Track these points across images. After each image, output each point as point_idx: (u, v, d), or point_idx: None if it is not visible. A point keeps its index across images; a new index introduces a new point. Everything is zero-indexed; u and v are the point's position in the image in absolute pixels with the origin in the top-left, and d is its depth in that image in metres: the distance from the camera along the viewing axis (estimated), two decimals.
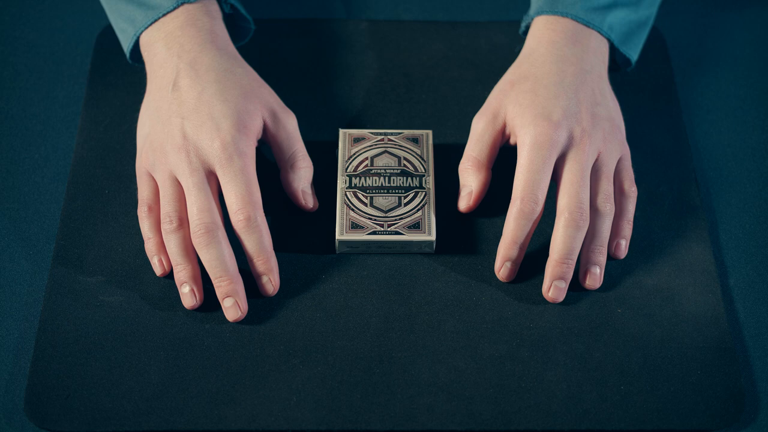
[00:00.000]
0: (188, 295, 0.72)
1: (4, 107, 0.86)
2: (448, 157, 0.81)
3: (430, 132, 0.80)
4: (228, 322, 0.73)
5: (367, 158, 0.78)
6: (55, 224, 0.79)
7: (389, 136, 0.79)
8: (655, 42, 0.89)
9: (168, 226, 0.72)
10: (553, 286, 0.73)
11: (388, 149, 0.78)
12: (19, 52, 0.90)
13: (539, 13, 0.79)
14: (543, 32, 0.78)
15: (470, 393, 0.70)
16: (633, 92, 0.86)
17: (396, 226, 0.75)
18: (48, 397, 0.69)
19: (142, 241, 0.76)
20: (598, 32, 0.78)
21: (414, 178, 0.77)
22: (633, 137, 0.83)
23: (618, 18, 0.79)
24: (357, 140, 0.79)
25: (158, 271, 0.74)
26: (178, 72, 0.75)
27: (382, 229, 0.75)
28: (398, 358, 0.72)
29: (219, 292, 0.72)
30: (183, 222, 0.72)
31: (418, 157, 0.78)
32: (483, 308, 0.74)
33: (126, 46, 0.80)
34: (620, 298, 0.75)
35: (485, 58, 0.88)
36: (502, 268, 0.74)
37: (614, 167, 0.76)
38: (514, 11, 0.92)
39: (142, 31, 0.78)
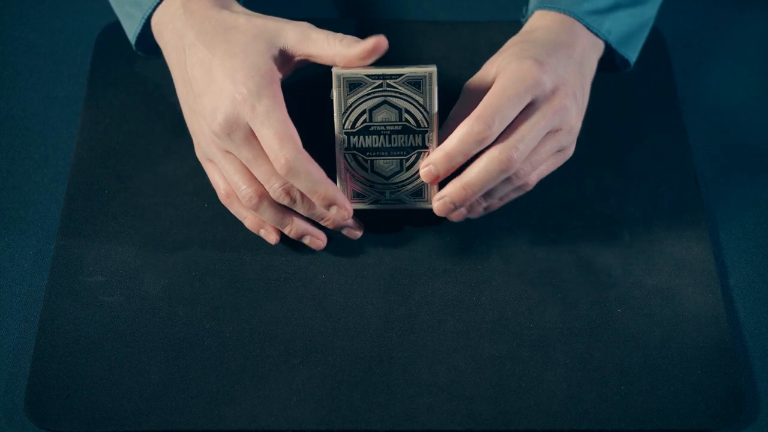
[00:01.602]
0: (313, 243, 0.75)
1: (4, 107, 0.86)
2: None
3: (433, 71, 0.71)
4: (228, 322, 0.73)
5: (365, 111, 0.72)
6: (55, 224, 0.79)
7: (388, 80, 0.71)
8: (655, 42, 0.89)
9: (250, 203, 0.72)
10: (443, 202, 0.72)
11: (388, 98, 0.71)
12: (19, 52, 0.90)
13: (540, 7, 0.79)
14: (540, 21, 0.78)
15: (470, 393, 0.70)
16: (633, 92, 0.86)
17: (398, 194, 0.75)
18: (48, 397, 0.69)
19: (142, 241, 0.76)
20: (596, 34, 0.78)
21: (416, 136, 0.73)
22: (633, 137, 0.83)
23: (618, 20, 0.79)
24: (353, 86, 0.71)
25: (271, 239, 0.75)
26: (186, 53, 0.73)
27: (384, 197, 0.75)
28: (398, 358, 0.72)
29: (332, 227, 0.74)
30: (262, 192, 0.72)
31: (419, 108, 0.72)
32: (483, 308, 0.74)
33: (133, 31, 0.79)
34: (620, 298, 0.75)
35: (485, 58, 0.87)
36: (425, 168, 0.71)
37: (554, 149, 0.73)
38: (514, 11, 0.92)
39: (150, 14, 0.76)
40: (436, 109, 0.72)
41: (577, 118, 0.73)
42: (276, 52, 0.72)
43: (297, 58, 0.73)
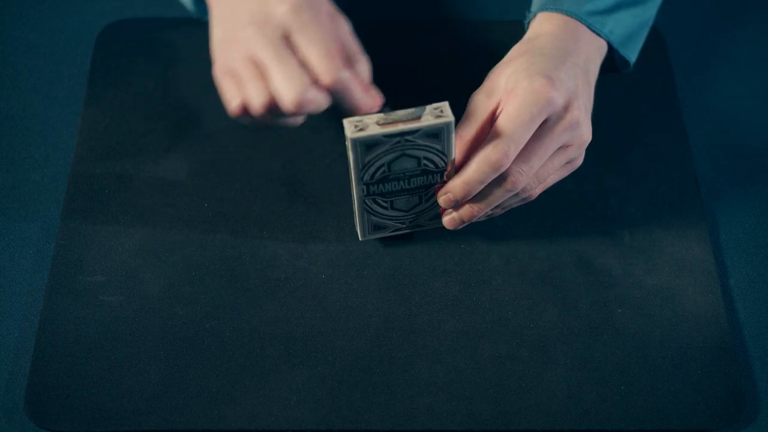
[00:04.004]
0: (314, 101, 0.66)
1: (4, 107, 0.86)
2: None
3: (451, 121, 0.67)
4: (228, 322, 0.73)
5: (384, 164, 0.69)
6: (55, 224, 0.79)
7: (406, 136, 0.68)
8: (655, 42, 0.89)
9: (259, 112, 0.66)
10: (450, 218, 0.73)
11: (406, 151, 0.69)
12: (19, 52, 0.90)
13: (543, 9, 0.79)
14: (544, 25, 0.77)
15: (470, 393, 0.70)
16: (633, 92, 0.86)
17: (417, 220, 0.75)
18: (48, 397, 0.69)
19: (142, 241, 0.76)
20: (598, 35, 0.78)
21: (435, 175, 0.71)
22: (633, 137, 0.83)
23: (620, 20, 0.79)
24: (370, 147, 0.68)
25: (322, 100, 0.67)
26: None
27: (403, 226, 0.75)
28: (398, 358, 0.72)
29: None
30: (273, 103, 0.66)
31: (438, 153, 0.69)
32: (483, 308, 0.74)
33: None
34: (620, 298, 0.75)
35: (485, 58, 0.87)
36: (444, 195, 0.71)
37: (563, 162, 0.73)
38: (514, 11, 0.92)
39: None
40: (454, 155, 0.70)
41: (588, 131, 0.73)
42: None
43: None
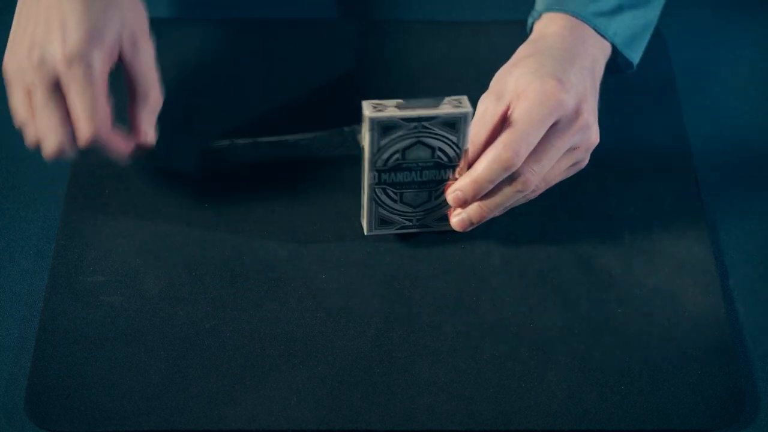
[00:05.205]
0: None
1: (4, 107, 0.86)
2: None
3: (469, 111, 0.69)
4: (228, 322, 0.73)
5: (398, 150, 0.70)
6: (55, 224, 0.79)
7: (423, 122, 0.69)
8: (655, 42, 0.88)
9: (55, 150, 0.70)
10: (460, 219, 0.73)
11: (422, 139, 0.70)
12: None
13: (548, 9, 0.79)
14: (550, 26, 0.77)
15: (470, 393, 0.70)
16: (633, 92, 0.86)
17: (424, 219, 0.75)
18: (48, 397, 0.69)
19: (142, 241, 0.76)
20: (603, 37, 0.78)
21: (447, 170, 0.72)
22: (633, 137, 0.83)
23: (624, 22, 0.79)
24: (387, 129, 0.69)
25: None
26: None
27: (410, 224, 0.75)
28: (398, 358, 0.72)
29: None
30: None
31: (453, 145, 0.71)
32: (483, 308, 0.74)
33: None
34: (620, 298, 0.75)
35: (485, 58, 0.88)
36: (453, 194, 0.72)
37: (570, 164, 0.73)
38: (514, 11, 0.92)
39: None
40: (468, 145, 0.71)
41: (596, 134, 0.73)
42: (118, 39, 0.70)
43: (123, 65, 0.71)
